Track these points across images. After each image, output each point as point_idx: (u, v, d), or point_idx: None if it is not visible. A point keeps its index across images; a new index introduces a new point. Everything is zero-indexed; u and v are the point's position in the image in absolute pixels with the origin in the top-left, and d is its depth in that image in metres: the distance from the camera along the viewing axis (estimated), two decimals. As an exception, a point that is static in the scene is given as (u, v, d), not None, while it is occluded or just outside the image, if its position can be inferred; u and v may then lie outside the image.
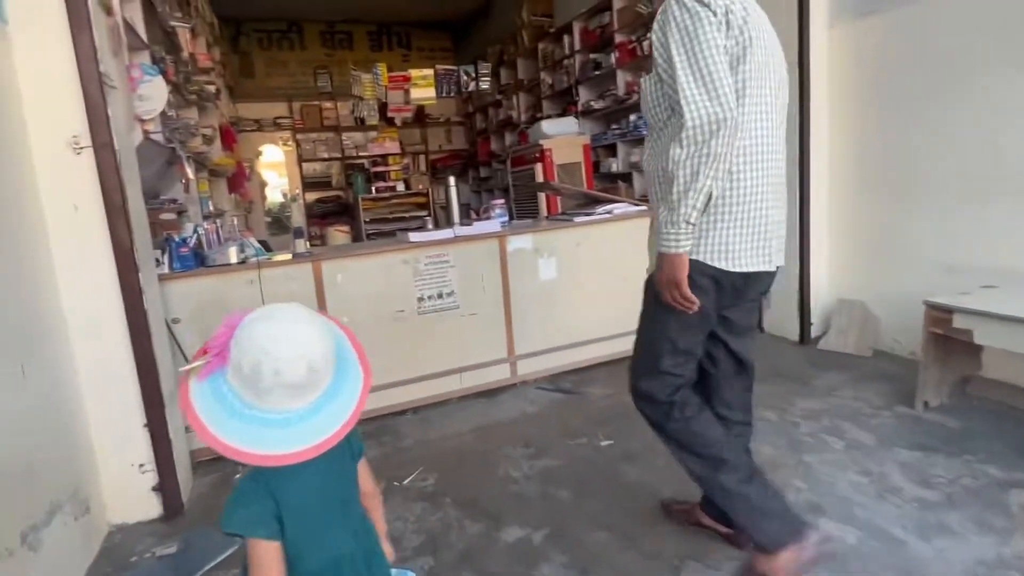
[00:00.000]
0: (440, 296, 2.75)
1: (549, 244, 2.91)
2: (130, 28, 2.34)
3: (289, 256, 2.58)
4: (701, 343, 1.43)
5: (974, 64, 2.42)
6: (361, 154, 7.50)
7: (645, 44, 4.30)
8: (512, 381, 2.93)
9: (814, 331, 3.17)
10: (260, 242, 2.92)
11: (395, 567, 1.66)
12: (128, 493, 1.95)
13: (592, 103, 5.12)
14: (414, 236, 2.73)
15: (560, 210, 4.13)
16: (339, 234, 6.27)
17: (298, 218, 6.80)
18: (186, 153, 3.22)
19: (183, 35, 3.41)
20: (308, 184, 7.56)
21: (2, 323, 1.50)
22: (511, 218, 3.60)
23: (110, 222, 1.81)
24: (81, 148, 1.77)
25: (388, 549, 1.06)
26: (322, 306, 2.54)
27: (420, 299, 2.71)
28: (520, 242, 2.85)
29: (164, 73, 2.62)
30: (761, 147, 1.27)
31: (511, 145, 6.33)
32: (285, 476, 0.83)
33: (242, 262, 2.46)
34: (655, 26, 1.27)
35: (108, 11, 1.99)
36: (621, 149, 4.81)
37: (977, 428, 2.11)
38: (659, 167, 1.31)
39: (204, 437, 0.75)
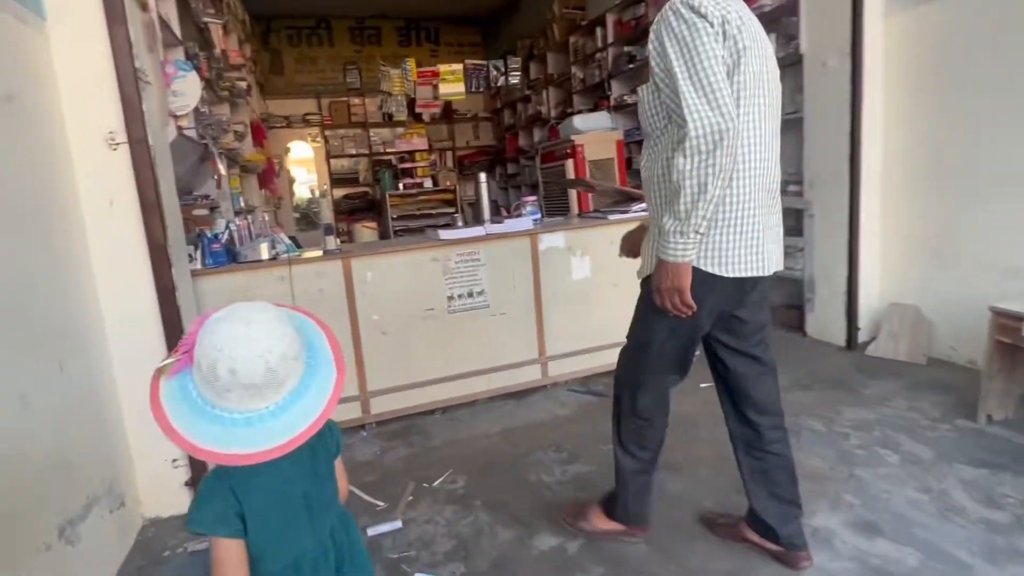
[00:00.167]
0: (470, 295, 2.69)
1: (582, 242, 2.83)
2: (164, 24, 2.34)
3: (319, 253, 2.57)
4: (691, 351, 1.47)
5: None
6: (388, 150, 7.52)
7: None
8: (543, 382, 2.87)
9: (862, 336, 3.02)
10: (290, 238, 2.92)
11: (424, 572, 1.65)
12: (161, 487, 1.96)
13: (626, 97, 5.01)
14: (444, 233, 2.69)
15: (593, 207, 4.03)
16: (366, 230, 6.30)
17: (327, 214, 6.85)
18: (218, 149, 3.24)
19: (215, 31, 3.43)
20: (335, 180, 7.61)
21: (42, 321, 1.50)
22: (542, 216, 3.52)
23: (145, 218, 1.81)
24: (117, 144, 1.77)
25: None
26: (351, 304, 2.51)
27: (450, 298, 2.67)
28: (552, 240, 2.78)
29: (197, 69, 2.63)
30: (753, 154, 1.29)
31: (540, 141, 6.25)
32: (248, 475, 0.83)
33: (273, 258, 2.45)
34: (652, 36, 1.29)
35: (143, 6, 1.99)
36: (654, 145, 4.68)
37: (1048, 445, 1.97)
38: (656, 174, 1.36)
39: (168, 434, 0.76)
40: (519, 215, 2.92)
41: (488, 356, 2.75)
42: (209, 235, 2.38)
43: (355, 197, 7.51)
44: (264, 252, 2.43)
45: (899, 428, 2.16)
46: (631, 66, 4.83)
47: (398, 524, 1.84)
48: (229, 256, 2.41)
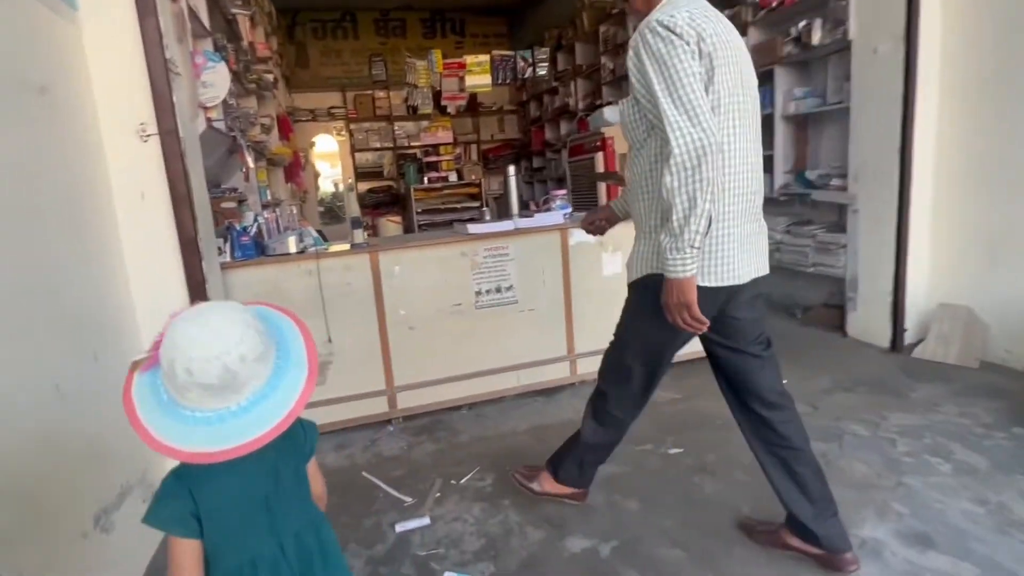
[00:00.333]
0: (498, 290, 2.65)
1: (614, 238, 2.73)
2: (193, 14, 2.33)
3: (347, 247, 2.54)
4: (669, 355, 1.55)
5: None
6: (413, 144, 7.50)
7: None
8: (571, 380, 2.81)
9: (908, 337, 2.88)
10: (316, 232, 2.91)
11: (454, 571, 1.62)
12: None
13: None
14: (472, 228, 2.64)
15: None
16: (391, 224, 6.29)
17: (354, 208, 6.87)
18: (246, 142, 3.25)
19: (243, 23, 3.43)
20: (360, 174, 7.62)
21: (76, 312, 1.51)
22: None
23: (175, 210, 1.81)
24: (148, 136, 1.76)
25: None
26: (379, 298, 2.49)
27: (478, 292, 2.62)
28: (583, 235, 2.70)
29: (226, 61, 2.62)
30: (731, 165, 1.31)
31: (568, 134, 6.14)
32: (208, 474, 0.83)
33: (301, 252, 2.44)
34: (630, 53, 1.32)
35: (174, -4, 1.97)
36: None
37: (1115, 457, 1.84)
38: (640, 184, 1.42)
39: (135, 428, 0.76)
40: (548, 209, 2.86)
41: (516, 352, 2.70)
42: (238, 228, 2.38)
43: (379, 191, 7.51)
44: (292, 246, 2.42)
45: (950, 435, 2.04)
46: (662, 56, 4.69)
47: (426, 520, 1.81)
48: (258, 249, 2.41)
